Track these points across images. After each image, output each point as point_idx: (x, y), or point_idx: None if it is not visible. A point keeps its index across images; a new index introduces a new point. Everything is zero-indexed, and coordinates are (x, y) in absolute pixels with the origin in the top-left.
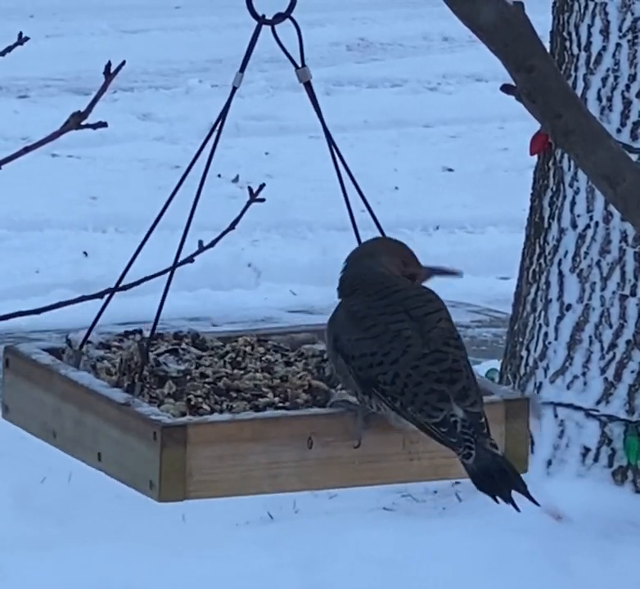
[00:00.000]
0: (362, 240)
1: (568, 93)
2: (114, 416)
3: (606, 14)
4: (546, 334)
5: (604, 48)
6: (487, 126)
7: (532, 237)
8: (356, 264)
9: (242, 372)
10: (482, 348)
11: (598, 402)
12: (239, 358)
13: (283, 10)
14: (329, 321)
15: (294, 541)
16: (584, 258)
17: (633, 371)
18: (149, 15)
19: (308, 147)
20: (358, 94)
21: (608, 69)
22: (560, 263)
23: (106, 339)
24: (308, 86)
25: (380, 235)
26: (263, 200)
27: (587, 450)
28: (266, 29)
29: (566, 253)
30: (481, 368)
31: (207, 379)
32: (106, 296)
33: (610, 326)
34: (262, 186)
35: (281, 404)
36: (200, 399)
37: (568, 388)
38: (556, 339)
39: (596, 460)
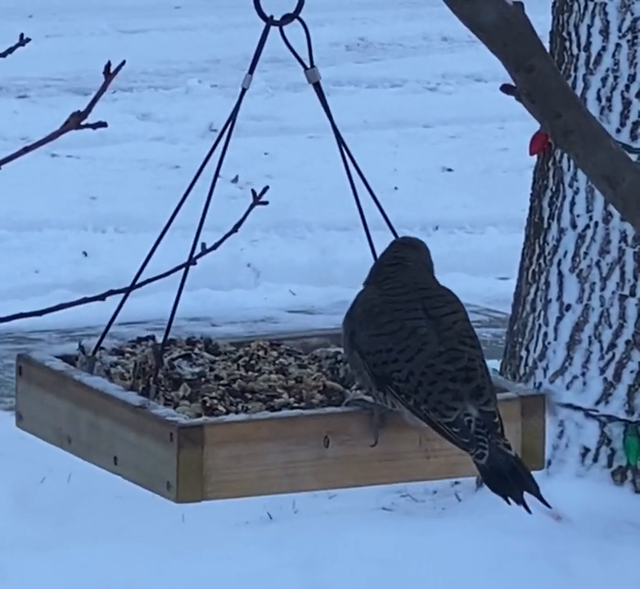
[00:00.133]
0: (372, 240)
1: (568, 93)
2: (129, 419)
3: (606, 14)
4: (545, 334)
5: (603, 48)
6: (486, 126)
7: (531, 237)
8: (400, 250)
9: (256, 374)
10: (482, 348)
11: (598, 403)
12: (252, 362)
13: (283, 10)
14: (346, 314)
15: (293, 541)
16: (584, 258)
17: (632, 371)
18: (148, 15)
19: (308, 147)
20: (357, 94)
21: (608, 70)
22: (559, 263)
23: (120, 346)
24: (317, 86)
25: (390, 234)
26: (266, 202)
27: (586, 450)
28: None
29: (566, 253)
30: None
31: (222, 382)
32: (120, 300)
33: (610, 326)
34: (265, 189)
35: (296, 404)
36: (215, 401)
37: (567, 388)
38: (555, 339)
39: (595, 460)
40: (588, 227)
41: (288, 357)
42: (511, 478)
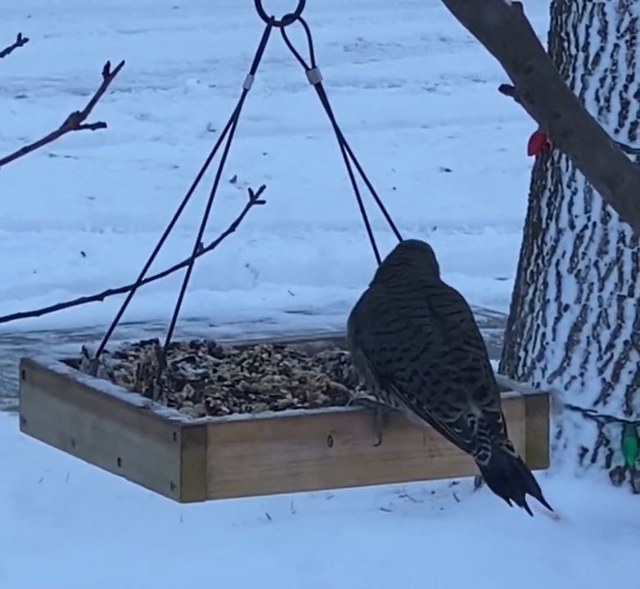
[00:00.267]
0: (375, 240)
1: (566, 94)
2: (133, 420)
3: (604, 14)
4: (544, 334)
5: (602, 49)
6: (485, 126)
7: (530, 238)
8: (405, 251)
9: (260, 375)
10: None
11: (596, 403)
12: (256, 364)
13: (283, 11)
14: (352, 311)
15: (292, 541)
16: (582, 258)
17: (630, 372)
18: (147, 15)
19: (307, 148)
20: (355, 94)
21: (606, 70)
22: (558, 264)
23: (123, 349)
24: (318, 87)
25: (391, 234)
26: (263, 202)
27: (584, 450)
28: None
29: (564, 253)
30: None
31: (225, 383)
32: (121, 301)
33: (608, 327)
34: (262, 188)
35: (300, 405)
36: (218, 401)
37: (566, 388)
38: (553, 339)
39: (593, 460)
40: (586, 227)
41: (292, 359)
42: (512, 480)
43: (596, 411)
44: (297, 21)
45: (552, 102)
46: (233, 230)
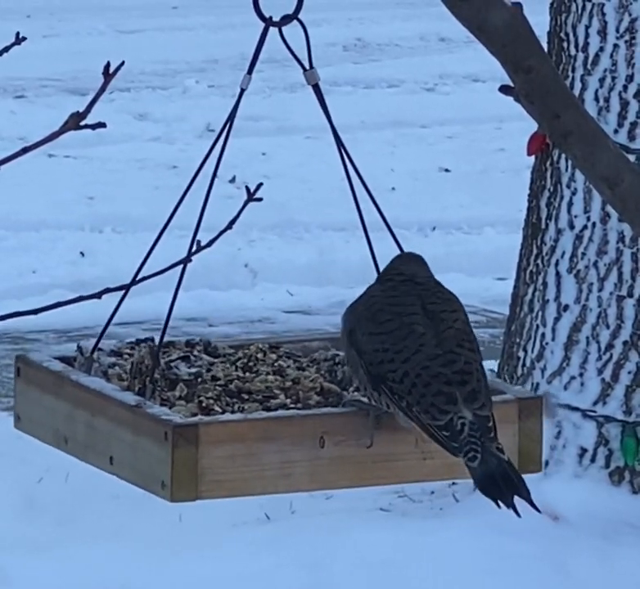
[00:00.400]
0: (371, 242)
1: (566, 94)
2: (125, 419)
3: (604, 15)
4: (543, 334)
5: (601, 49)
6: (484, 126)
7: (529, 238)
8: (402, 261)
9: (254, 375)
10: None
11: (595, 403)
12: (251, 363)
13: (282, 11)
14: (348, 307)
15: (291, 541)
16: (581, 258)
17: (629, 372)
18: (146, 15)
19: (305, 148)
20: (354, 94)
21: (605, 70)
22: (557, 264)
23: (118, 347)
24: (316, 88)
25: (388, 235)
26: (260, 199)
27: (584, 451)
28: (262, 29)
29: (563, 253)
30: None
31: (218, 382)
32: (116, 300)
33: (608, 327)
34: (259, 186)
35: (292, 405)
36: (211, 401)
37: (565, 388)
38: (553, 339)
39: (593, 460)
40: (585, 227)
41: (287, 359)
42: (502, 482)
43: (595, 412)
44: (295, 22)
45: (551, 102)
46: (231, 227)
